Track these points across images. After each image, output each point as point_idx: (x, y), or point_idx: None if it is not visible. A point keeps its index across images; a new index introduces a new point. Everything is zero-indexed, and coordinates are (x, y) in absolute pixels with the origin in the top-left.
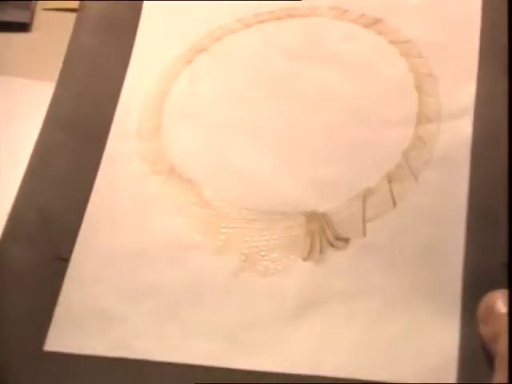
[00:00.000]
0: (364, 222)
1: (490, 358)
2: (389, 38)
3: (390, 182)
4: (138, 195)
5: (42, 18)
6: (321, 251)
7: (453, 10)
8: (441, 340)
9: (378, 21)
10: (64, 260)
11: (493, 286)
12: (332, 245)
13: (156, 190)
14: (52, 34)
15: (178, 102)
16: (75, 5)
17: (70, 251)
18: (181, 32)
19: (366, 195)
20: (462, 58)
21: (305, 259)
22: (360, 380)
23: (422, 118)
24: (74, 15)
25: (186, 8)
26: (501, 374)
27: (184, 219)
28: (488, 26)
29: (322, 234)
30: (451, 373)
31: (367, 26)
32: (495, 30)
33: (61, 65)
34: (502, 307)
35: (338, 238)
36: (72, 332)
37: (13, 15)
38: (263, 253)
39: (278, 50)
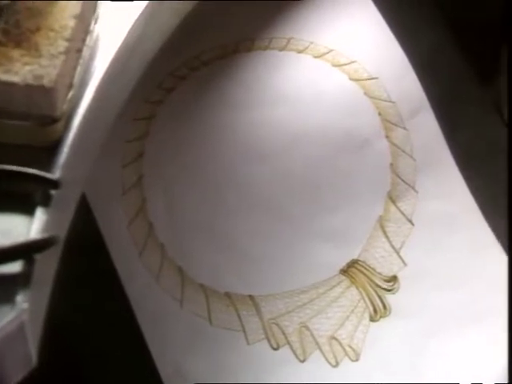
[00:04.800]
0: (397, 251)
1: None
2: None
3: (394, 202)
4: None
5: None
6: (381, 302)
7: None
8: None
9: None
10: None
11: None
12: (385, 289)
13: None
14: None
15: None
16: None
17: None
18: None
19: (382, 225)
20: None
21: (373, 319)
22: None
23: (387, 125)
24: None
25: None
26: None
27: None
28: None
29: (372, 283)
30: None
31: (318, 56)
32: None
33: None
34: None
35: (386, 280)
36: None
37: None
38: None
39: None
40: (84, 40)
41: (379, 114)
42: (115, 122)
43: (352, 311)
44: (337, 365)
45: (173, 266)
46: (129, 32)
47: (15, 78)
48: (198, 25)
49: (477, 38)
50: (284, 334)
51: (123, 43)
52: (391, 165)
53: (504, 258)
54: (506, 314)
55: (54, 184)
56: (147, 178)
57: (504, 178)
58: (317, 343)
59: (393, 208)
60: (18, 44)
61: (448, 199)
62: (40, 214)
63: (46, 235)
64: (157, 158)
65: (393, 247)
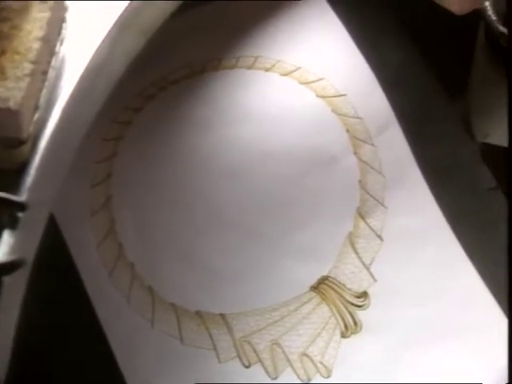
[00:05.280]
0: (367, 267)
1: None
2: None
3: (363, 218)
4: None
5: None
6: (352, 319)
7: None
8: None
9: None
10: None
11: None
12: (356, 305)
13: None
14: None
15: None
16: None
17: None
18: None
19: (352, 241)
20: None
21: (344, 335)
22: None
23: (355, 141)
24: None
25: None
26: None
27: None
28: None
29: (342, 300)
30: None
31: (285, 73)
32: None
33: None
34: None
35: (356, 296)
36: None
37: None
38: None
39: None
40: (49, 62)
41: (347, 130)
42: (83, 142)
43: (323, 328)
44: (309, 381)
45: (143, 285)
46: (95, 53)
47: None
48: (165, 45)
49: (444, 54)
50: (255, 351)
51: (89, 64)
52: (360, 181)
53: (472, 272)
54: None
55: (21, 206)
56: (116, 198)
57: (471, 193)
58: (288, 360)
59: (362, 224)
60: None
61: (417, 214)
62: (7, 237)
63: (13, 258)
64: (125, 179)
65: (363, 263)
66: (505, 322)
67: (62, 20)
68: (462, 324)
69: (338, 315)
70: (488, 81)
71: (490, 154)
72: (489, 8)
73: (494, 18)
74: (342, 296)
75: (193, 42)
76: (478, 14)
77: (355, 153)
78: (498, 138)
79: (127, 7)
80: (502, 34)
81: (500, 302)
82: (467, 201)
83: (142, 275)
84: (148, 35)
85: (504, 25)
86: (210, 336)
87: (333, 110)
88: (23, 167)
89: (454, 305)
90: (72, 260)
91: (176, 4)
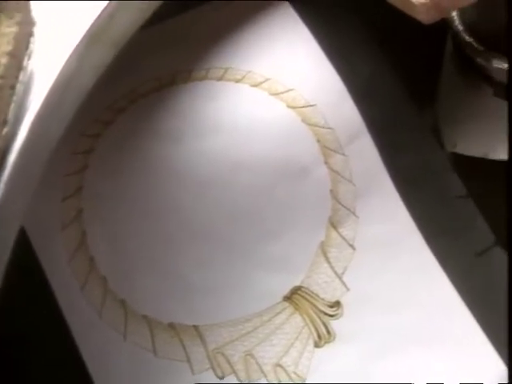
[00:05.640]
0: (339, 277)
1: None
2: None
3: (335, 228)
4: None
5: None
6: (325, 328)
7: None
8: None
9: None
10: None
11: None
12: (329, 315)
13: None
14: None
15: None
16: None
17: None
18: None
19: (324, 251)
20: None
21: (318, 345)
22: None
23: (326, 151)
24: None
25: None
26: None
27: None
28: None
29: (315, 309)
30: None
31: (255, 84)
32: None
33: None
34: None
35: (329, 306)
36: None
37: None
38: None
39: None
40: (17, 77)
41: (318, 140)
42: (53, 156)
43: (296, 338)
44: None
45: (115, 298)
46: (63, 67)
47: None
48: (135, 57)
49: (414, 64)
50: (229, 362)
51: (58, 78)
52: (331, 191)
53: (444, 279)
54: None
55: None
56: (87, 211)
57: (441, 201)
58: (262, 371)
59: (334, 234)
60: None
61: (388, 223)
62: None
63: None
64: (96, 192)
65: (335, 273)
66: (477, 328)
67: (30, 34)
68: (434, 331)
69: (311, 325)
70: (456, 90)
71: (461, 162)
72: (456, 18)
73: (460, 27)
74: (315, 306)
75: (163, 54)
76: (447, 24)
77: (326, 162)
78: (466, 148)
79: (95, 20)
80: (469, 43)
81: (471, 308)
82: (438, 209)
83: (115, 288)
84: (117, 48)
85: (470, 35)
86: (184, 348)
87: (303, 121)
88: None
89: (426, 312)
90: (44, 273)
91: (145, 16)
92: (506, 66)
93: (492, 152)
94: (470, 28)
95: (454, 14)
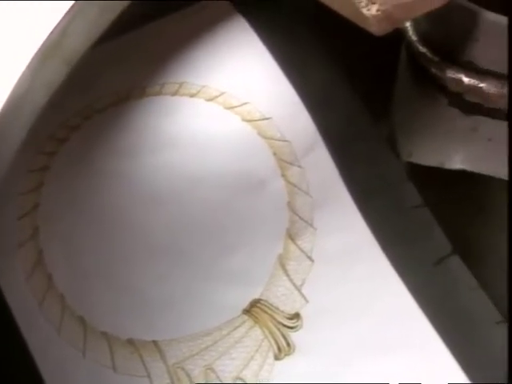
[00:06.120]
0: (298, 289)
1: None
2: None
3: (293, 240)
4: None
5: None
6: (285, 340)
7: None
8: None
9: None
10: None
11: None
12: (288, 327)
13: None
14: None
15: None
16: None
17: None
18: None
19: (282, 263)
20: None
21: (278, 357)
22: None
23: (283, 164)
24: None
25: None
26: None
27: None
28: None
29: (275, 322)
30: None
31: (210, 99)
32: None
33: None
34: None
35: (288, 318)
36: None
37: None
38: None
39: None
40: None
41: (274, 153)
42: (8, 174)
43: (256, 351)
44: None
45: (74, 315)
46: (16, 84)
47: None
48: (89, 73)
49: (369, 74)
50: (189, 377)
51: (11, 96)
52: (288, 203)
53: (402, 287)
54: None
55: None
56: (43, 229)
57: (398, 211)
58: None
59: (292, 246)
60: None
61: (346, 234)
62: None
63: None
64: (52, 209)
65: (294, 285)
66: (435, 336)
67: None
68: (393, 340)
69: (270, 337)
70: (411, 100)
71: (416, 171)
72: (409, 28)
73: (414, 38)
74: (274, 318)
75: (117, 70)
76: (401, 34)
77: (283, 175)
78: (421, 157)
79: (49, 36)
80: (423, 53)
81: (429, 317)
82: (395, 218)
83: (73, 305)
84: (71, 64)
85: (424, 45)
86: (143, 363)
87: (259, 134)
88: None
89: (385, 322)
90: (1, 291)
91: (99, 32)
92: (460, 75)
93: (447, 161)
94: (424, 38)
95: (408, 24)
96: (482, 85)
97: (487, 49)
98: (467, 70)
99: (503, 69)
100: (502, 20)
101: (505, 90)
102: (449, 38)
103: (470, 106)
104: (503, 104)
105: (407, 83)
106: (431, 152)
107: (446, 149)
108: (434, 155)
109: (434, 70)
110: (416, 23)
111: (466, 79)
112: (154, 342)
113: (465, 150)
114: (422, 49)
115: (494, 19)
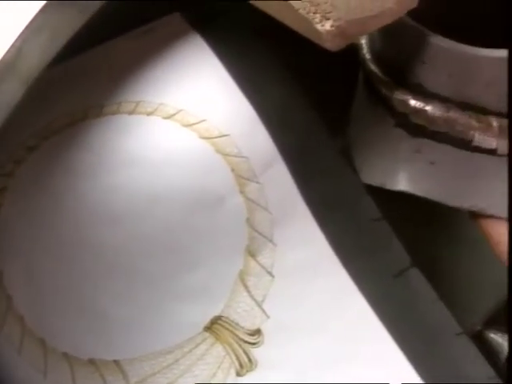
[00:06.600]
0: (259, 305)
1: None
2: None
3: (253, 256)
4: None
5: None
6: (247, 357)
7: None
8: None
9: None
10: None
11: None
12: (250, 343)
13: None
14: None
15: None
16: None
17: None
18: None
19: (243, 279)
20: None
21: (240, 373)
22: None
23: (241, 180)
24: None
25: None
26: None
27: None
28: None
29: (236, 338)
30: None
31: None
32: None
33: None
34: None
35: (250, 334)
36: None
37: None
38: None
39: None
40: None
41: (232, 170)
42: None
43: (218, 367)
44: None
45: (34, 337)
46: None
47: None
48: (46, 93)
49: (325, 89)
50: None
51: None
52: (248, 219)
53: (362, 300)
54: None
55: None
56: (2, 250)
57: (357, 225)
58: None
59: (252, 262)
60: None
61: (306, 249)
62: None
63: None
64: (11, 230)
65: (255, 301)
66: (394, 347)
67: None
68: (354, 353)
69: (232, 354)
70: (364, 117)
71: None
72: (364, 46)
73: (368, 56)
74: (235, 335)
75: (74, 90)
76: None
77: (241, 191)
78: (367, 176)
79: (4, 57)
80: (374, 73)
81: (389, 328)
82: (354, 232)
83: (33, 327)
84: (27, 84)
85: (377, 65)
86: (105, 383)
87: (217, 151)
88: None
89: (345, 335)
90: None
91: (55, 51)
92: (407, 97)
93: (389, 182)
94: (378, 57)
95: (363, 41)
96: (427, 108)
97: (434, 72)
98: (415, 92)
99: (449, 93)
100: (449, 44)
101: (450, 114)
102: (399, 58)
103: (415, 127)
104: (447, 128)
105: (363, 100)
106: (376, 171)
107: (390, 169)
108: (378, 174)
109: (383, 90)
110: (371, 41)
111: (412, 101)
112: (116, 362)
113: (407, 171)
114: (375, 68)
115: (441, 43)
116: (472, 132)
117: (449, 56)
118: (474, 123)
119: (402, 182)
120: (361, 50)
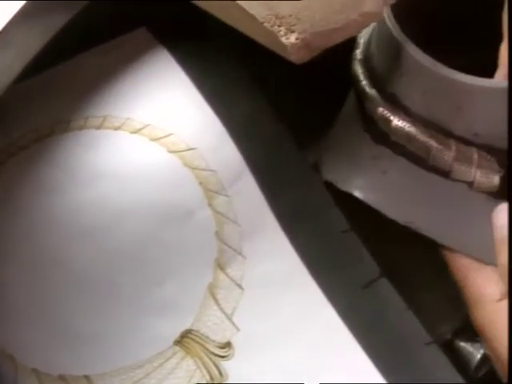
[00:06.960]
0: (229, 318)
1: None
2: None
3: (222, 269)
4: None
5: None
6: (218, 370)
7: None
8: None
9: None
10: None
11: None
12: (220, 356)
13: None
14: None
15: None
16: None
17: None
18: None
19: (212, 292)
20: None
21: None
22: None
23: (209, 193)
24: None
25: None
26: None
27: None
28: None
29: (206, 351)
30: None
31: (134, 131)
32: None
33: None
34: None
35: (220, 347)
36: None
37: None
38: None
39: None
40: None
41: (200, 183)
42: None
43: (189, 381)
44: None
45: (4, 353)
46: None
47: None
48: (12, 109)
49: (292, 101)
50: None
51: None
52: (217, 232)
53: (332, 313)
54: None
55: None
56: None
57: (325, 236)
58: None
59: (222, 275)
60: None
61: (275, 261)
62: None
63: None
64: None
65: (225, 314)
66: (365, 358)
67: None
68: (324, 364)
69: (203, 368)
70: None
71: (342, 197)
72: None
73: (359, 57)
74: (205, 348)
75: (40, 106)
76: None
77: (210, 205)
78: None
79: None
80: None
81: (359, 339)
82: (323, 244)
83: (2, 344)
84: None
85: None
86: None
87: (184, 164)
88: None
89: (316, 346)
90: None
91: (21, 67)
92: (376, 103)
93: (341, 182)
94: (364, 60)
95: (362, 40)
96: (392, 118)
97: (410, 87)
98: (387, 101)
99: (419, 109)
100: (428, 62)
101: (412, 129)
102: (382, 65)
103: (380, 135)
104: (406, 141)
105: (348, 107)
106: (336, 168)
107: (348, 170)
108: (336, 172)
109: (361, 93)
110: (365, 44)
111: (380, 109)
112: (86, 377)
113: (362, 177)
114: (359, 69)
115: (421, 59)
116: (429, 151)
117: (425, 73)
118: (433, 143)
119: (357, 188)
120: (354, 49)
